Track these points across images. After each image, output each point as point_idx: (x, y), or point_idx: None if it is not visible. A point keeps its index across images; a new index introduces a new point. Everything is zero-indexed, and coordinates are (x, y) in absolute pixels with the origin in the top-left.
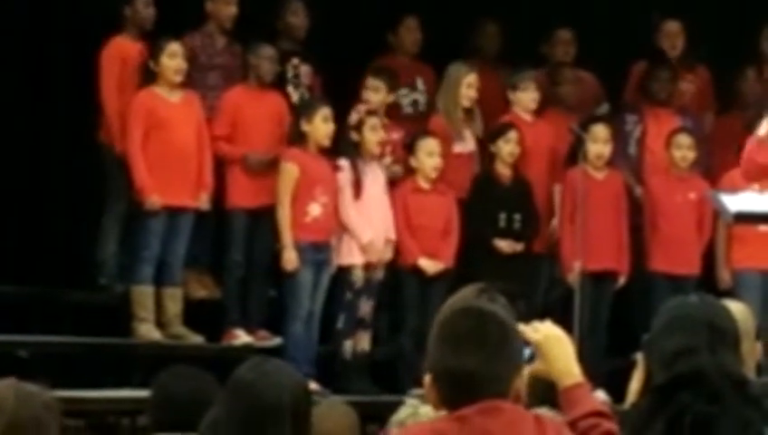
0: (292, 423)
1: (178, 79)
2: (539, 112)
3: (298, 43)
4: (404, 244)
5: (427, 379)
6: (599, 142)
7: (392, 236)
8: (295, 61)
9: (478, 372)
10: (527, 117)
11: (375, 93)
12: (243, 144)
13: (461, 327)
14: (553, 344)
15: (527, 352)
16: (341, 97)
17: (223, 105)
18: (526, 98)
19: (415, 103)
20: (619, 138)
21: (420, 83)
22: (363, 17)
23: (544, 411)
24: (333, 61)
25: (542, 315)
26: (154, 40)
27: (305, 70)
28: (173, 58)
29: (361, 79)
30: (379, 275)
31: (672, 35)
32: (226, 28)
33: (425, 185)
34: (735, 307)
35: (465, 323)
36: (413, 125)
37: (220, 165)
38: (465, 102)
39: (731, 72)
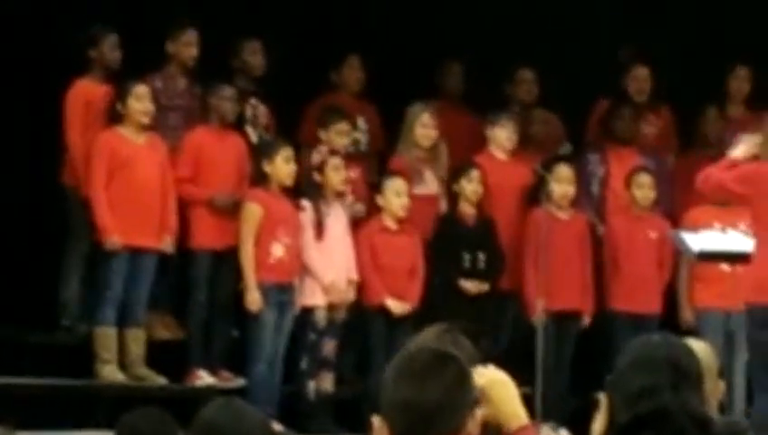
0: None
1: (146, 121)
2: (514, 152)
3: (255, 82)
4: (370, 284)
5: (376, 420)
6: (563, 183)
7: (354, 276)
8: (253, 101)
9: (435, 407)
10: (501, 156)
11: (338, 136)
12: (206, 185)
13: (420, 363)
14: (498, 388)
15: None
16: (291, 135)
17: (185, 146)
18: (503, 136)
19: (356, 142)
20: (581, 177)
21: (362, 122)
22: (307, 56)
23: None
24: (281, 99)
25: (506, 355)
26: (120, 81)
27: (263, 110)
28: (140, 100)
29: (311, 118)
30: (342, 315)
31: (641, 80)
32: (187, 69)
33: (391, 225)
34: (698, 346)
35: (425, 359)
36: (371, 163)
37: (182, 206)
38: (424, 142)
39: (693, 112)
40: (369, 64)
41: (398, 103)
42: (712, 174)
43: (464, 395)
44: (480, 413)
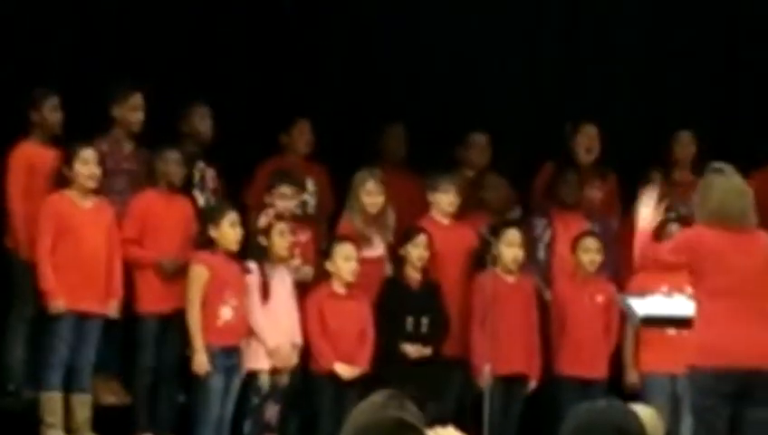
0: None
1: (92, 185)
2: (460, 215)
3: (202, 146)
4: (319, 349)
5: None
6: (513, 246)
7: (299, 340)
8: (201, 164)
9: None
10: (444, 220)
11: (283, 200)
12: (152, 248)
13: (381, 432)
14: None
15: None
16: (239, 198)
17: (132, 209)
18: (445, 201)
19: (304, 205)
20: (528, 242)
21: (311, 184)
22: (256, 119)
23: None
24: (229, 162)
25: (453, 420)
26: (66, 145)
27: (210, 173)
28: (87, 164)
29: (260, 180)
30: (286, 379)
31: (590, 138)
32: (133, 133)
33: (340, 290)
34: (644, 412)
35: (386, 428)
36: (319, 227)
37: (127, 269)
38: (371, 209)
39: (638, 177)
40: (318, 127)
41: (349, 165)
42: (645, 254)
43: None
44: None
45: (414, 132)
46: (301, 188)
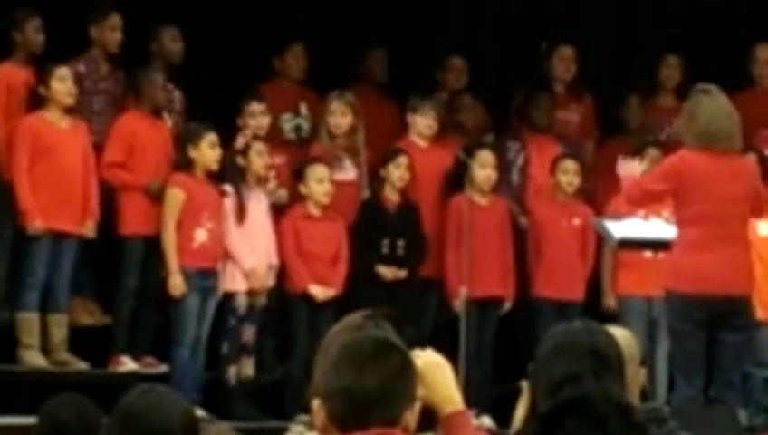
0: None
1: (70, 101)
2: (436, 138)
3: (172, 68)
4: (294, 270)
5: (315, 403)
6: (486, 167)
7: (275, 261)
8: (169, 86)
9: (376, 395)
10: (422, 143)
11: (255, 118)
12: (138, 170)
13: (365, 350)
14: (434, 371)
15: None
16: (225, 123)
17: (117, 131)
18: (423, 124)
19: (298, 129)
20: (501, 165)
21: (304, 109)
22: (248, 43)
23: None
24: (218, 86)
25: (429, 341)
26: (41, 65)
27: (177, 95)
28: (63, 81)
29: (241, 104)
30: (263, 301)
31: (566, 60)
32: (111, 54)
33: (315, 211)
34: (620, 333)
35: (370, 346)
36: (296, 150)
37: (109, 191)
38: (335, 130)
39: (616, 100)
40: (310, 52)
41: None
42: (632, 189)
43: (405, 385)
44: (418, 407)
45: (396, 56)
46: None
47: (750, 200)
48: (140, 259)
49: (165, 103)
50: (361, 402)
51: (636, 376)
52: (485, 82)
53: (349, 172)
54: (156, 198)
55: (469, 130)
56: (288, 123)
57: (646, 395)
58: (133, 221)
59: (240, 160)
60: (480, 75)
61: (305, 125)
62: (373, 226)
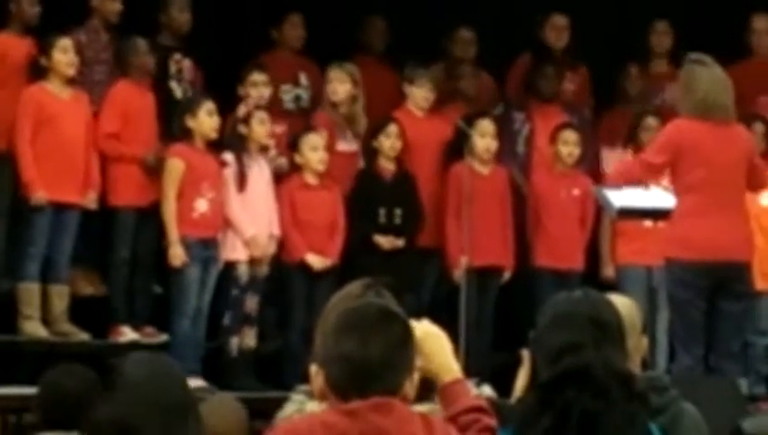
0: (181, 420)
1: (72, 72)
2: (438, 107)
3: (180, 38)
4: (291, 239)
5: (314, 368)
6: (486, 137)
7: (276, 230)
8: (178, 56)
9: (377, 364)
10: (418, 113)
11: (257, 88)
12: (133, 140)
13: (368, 318)
14: (432, 341)
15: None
16: (226, 93)
17: (111, 101)
18: (419, 95)
19: (297, 99)
20: (507, 136)
21: (304, 79)
22: (248, 13)
23: (427, 408)
24: (218, 56)
25: (428, 311)
26: (42, 36)
27: (187, 65)
28: (65, 52)
29: (243, 74)
30: (264, 270)
31: (558, 29)
32: (110, 23)
33: (312, 180)
34: (621, 302)
35: (373, 314)
36: (295, 121)
37: (103, 162)
38: (333, 97)
39: (613, 70)
40: (308, 22)
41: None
42: (630, 168)
43: (407, 355)
44: (417, 377)
45: (395, 25)
46: (293, 81)
47: (746, 168)
48: (133, 229)
49: (153, 69)
50: (364, 370)
51: (638, 344)
52: (492, 53)
53: (352, 143)
54: (153, 169)
55: (472, 99)
56: (288, 94)
57: (647, 364)
58: (125, 192)
59: (242, 129)
60: (486, 46)
61: (305, 95)
62: (369, 195)
